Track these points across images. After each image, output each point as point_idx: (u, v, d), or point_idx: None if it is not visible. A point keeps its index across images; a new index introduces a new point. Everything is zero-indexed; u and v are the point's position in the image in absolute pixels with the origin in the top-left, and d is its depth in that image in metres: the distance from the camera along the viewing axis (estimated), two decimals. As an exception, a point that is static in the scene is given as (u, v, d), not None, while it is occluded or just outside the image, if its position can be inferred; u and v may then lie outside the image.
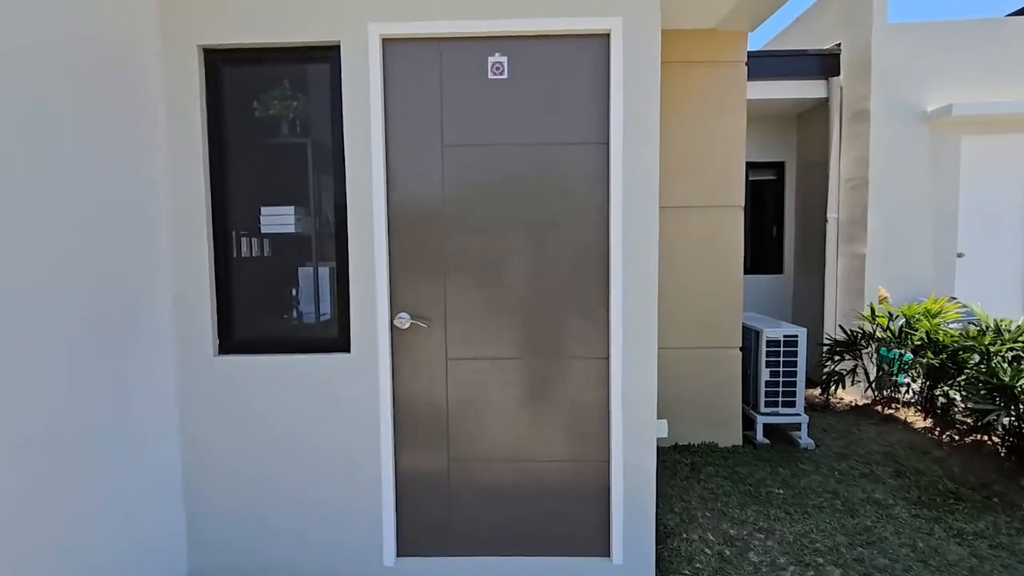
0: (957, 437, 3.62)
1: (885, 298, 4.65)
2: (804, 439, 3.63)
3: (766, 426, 3.69)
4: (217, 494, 2.27)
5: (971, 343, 3.47)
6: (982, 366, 3.34)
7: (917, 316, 4.05)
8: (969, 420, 3.48)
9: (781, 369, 3.62)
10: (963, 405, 3.55)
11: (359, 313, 2.21)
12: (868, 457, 3.45)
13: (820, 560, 2.39)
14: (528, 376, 2.26)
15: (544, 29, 2.11)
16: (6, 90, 1.55)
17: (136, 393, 2.05)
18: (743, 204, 3.60)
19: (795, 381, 3.62)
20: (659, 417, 2.87)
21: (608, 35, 2.10)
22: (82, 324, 1.81)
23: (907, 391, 4.19)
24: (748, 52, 3.57)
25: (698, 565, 2.37)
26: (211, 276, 2.24)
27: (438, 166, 2.20)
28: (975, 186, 5.04)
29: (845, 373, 4.32)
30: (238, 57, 2.21)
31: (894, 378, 4.17)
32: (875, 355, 4.29)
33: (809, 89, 5.02)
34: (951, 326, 3.90)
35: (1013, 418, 3.09)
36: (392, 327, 2.24)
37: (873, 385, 4.30)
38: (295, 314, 2.36)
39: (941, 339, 3.74)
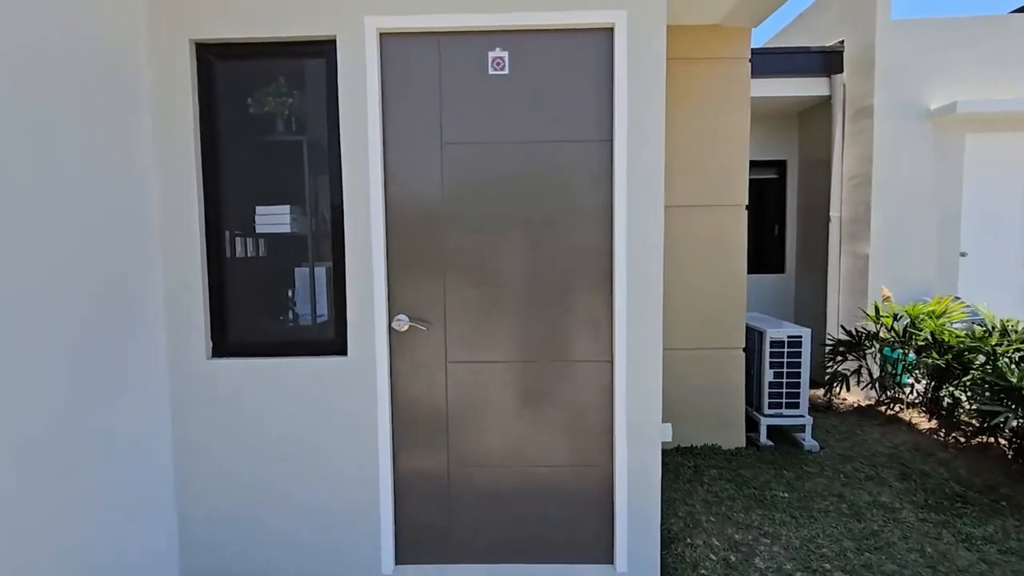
0: (963, 439, 3.58)
1: (888, 298, 4.61)
2: (808, 441, 3.59)
3: (770, 428, 3.65)
4: (211, 498, 2.22)
5: (977, 344, 3.43)
6: (988, 367, 3.29)
7: (922, 316, 4.01)
8: (975, 422, 3.43)
9: (785, 370, 3.57)
10: (969, 406, 3.51)
11: (356, 315, 2.16)
12: (873, 459, 3.40)
13: (828, 566, 2.34)
14: (529, 379, 2.21)
15: (546, 23, 2.06)
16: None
17: (131, 395, 2.01)
18: (747, 203, 3.55)
19: (799, 382, 3.58)
20: (662, 419, 2.81)
21: (612, 29, 2.05)
22: (79, 325, 1.78)
23: (911, 392, 4.15)
24: (751, 49, 3.52)
25: (703, 572, 2.32)
26: (204, 277, 2.18)
27: (437, 164, 2.15)
28: (979, 185, 4.99)
29: (849, 374, 4.28)
30: (231, 52, 2.15)
31: (898, 379, 4.13)
32: (879, 356, 4.25)
33: (811, 87, 4.97)
34: (955, 326, 3.86)
35: (1022, 420, 3.05)
36: (390, 329, 2.18)
37: (877, 386, 4.26)
38: (291, 316, 2.30)
39: (946, 339, 3.69)
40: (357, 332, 2.16)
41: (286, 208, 2.24)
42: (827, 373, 4.38)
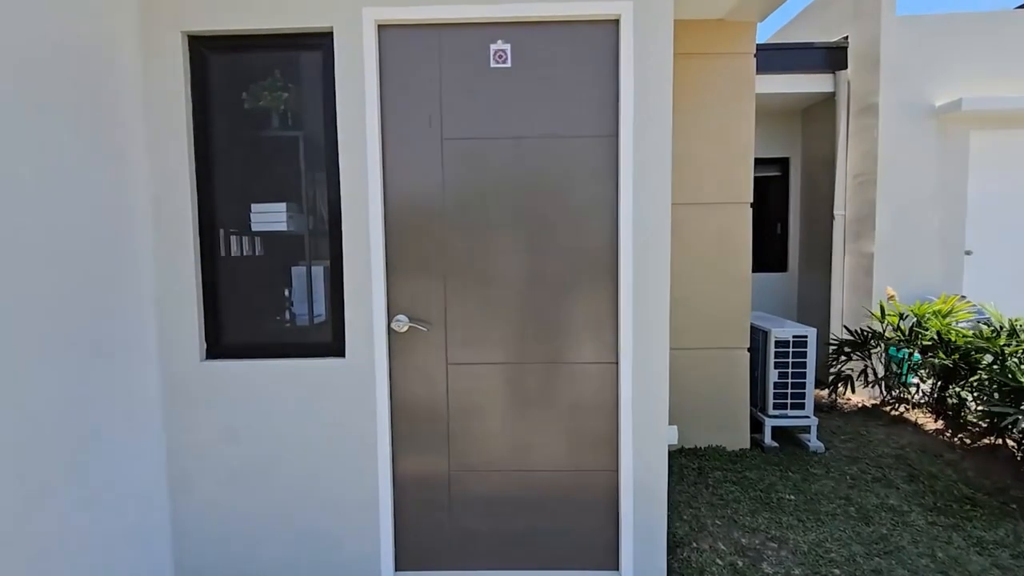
0: (969, 440, 3.53)
1: (893, 297, 4.56)
2: (813, 442, 3.54)
3: (774, 429, 3.60)
4: (204, 503, 2.16)
5: (985, 344, 3.37)
6: (995, 367, 3.24)
7: (927, 315, 3.96)
8: (983, 423, 3.38)
9: (790, 370, 3.52)
10: (977, 407, 3.46)
11: (354, 316, 2.10)
12: (880, 460, 3.35)
13: (837, 572, 2.29)
14: (533, 381, 2.15)
15: (549, 14, 2.00)
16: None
17: (122, 399, 1.94)
18: (751, 201, 3.49)
19: (804, 383, 3.53)
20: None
21: (617, 21, 1.99)
22: (66, 325, 1.71)
23: (917, 392, 4.10)
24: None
25: (710, 577, 2.27)
26: (197, 277, 2.12)
27: (437, 160, 2.09)
28: (984, 183, 4.94)
29: (854, 374, 4.23)
30: (225, 44, 2.09)
31: (903, 379, 4.08)
32: (884, 355, 4.20)
33: (815, 83, 4.91)
34: (960, 326, 3.81)
35: (1031, 421, 2.99)
36: (390, 330, 2.12)
37: (882, 386, 4.21)
38: (287, 316, 2.24)
39: (953, 339, 3.64)
40: (355, 333, 2.10)
41: (282, 206, 2.18)
42: (831, 373, 4.34)
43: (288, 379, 2.12)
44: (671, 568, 2.30)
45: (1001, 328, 3.47)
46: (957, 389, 3.61)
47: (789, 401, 3.55)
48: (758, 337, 3.63)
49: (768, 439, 3.55)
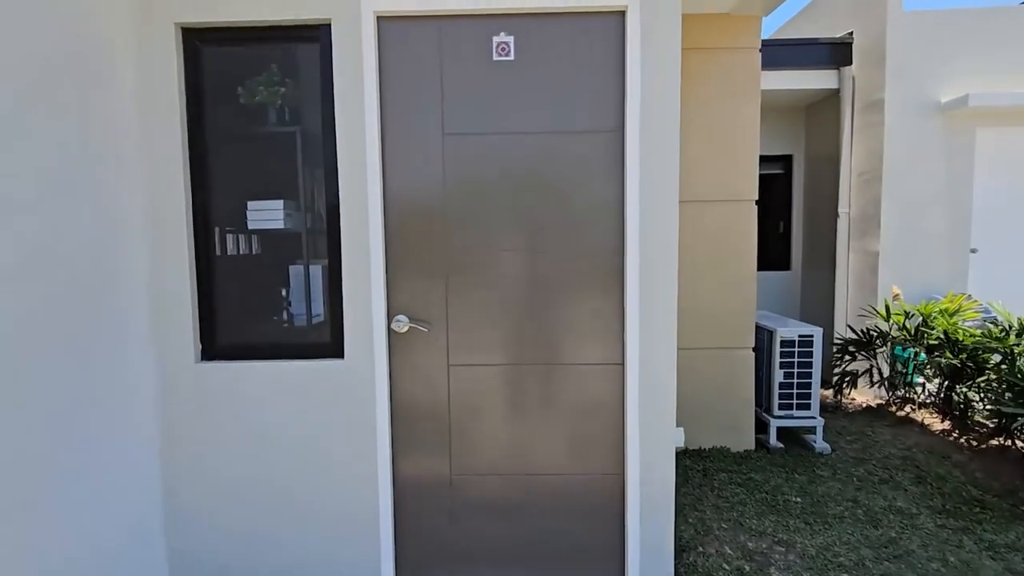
0: (977, 441, 3.48)
1: (898, 295, 4.52)
2: (819, 443, 3.49)
3: (779, 429, 3.55)
4: (201, 507, 2.11)
5: (994, 343, 3.33)
6: (1004, 367, 3.20)
7: (934, 315, 3.91)
8: (991, 423, 3.34)
9: (796, 370, 3.47)
10: (985, 407, 3.41)
11: (353, 316, 2.04)
12: (886, 462, 3.31)
13: (847, 576, 2.25)
14: (537, 384, 2.10)
15: (554, 6, 1.94)
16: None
17: (115, 401, 1.89)
18: (756, 198, 3.44)
19: (810, 383, 3.48)
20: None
21: (624, 12, 1.93)
22: (57, 326, 1.66)
23: (923, 392, 4.06)
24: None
25: (717, 583, 2.22)
26: (193, 276, 2.07)
27: (438, 156, 2.03)
28: (990, 180, 4.89)
29: (859, 373, 4.18)
30: (220, 37, 2.03)
31: (908, 378, 4.04)
32: (889, 355, 4.15)
33: (819, 79, 4.86)
34: (966, 325, 3.77)
35: (1041, 422, 2.95)
36: (389, 331, 2.07)
37: (887, 385, 4.17)
38: (285, 316, 2.19)
39: (960, 338, 3.60)
40: (354, 334, 2.05)
41: (279, 203, 2.12)
42: (836, 372, 4.29)
43: (285, 381, 2.07)
44: (677, 573, 2.25)
45: (1010, 327, 3.42)
46: (964, 389, 3.57)
47: (795, 402, 3.50)
48: (763, 337, 3.58)
49: (773, 440, 3.51)
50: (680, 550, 2.42)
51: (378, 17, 1.96)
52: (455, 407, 2.11)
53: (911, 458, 3.34)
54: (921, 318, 3.99)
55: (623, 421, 2.08)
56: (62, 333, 1.68)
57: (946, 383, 3.77)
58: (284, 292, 2.18)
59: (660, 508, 2.06)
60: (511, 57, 1.99)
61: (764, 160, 5.45)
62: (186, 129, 2.04)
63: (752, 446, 3.52)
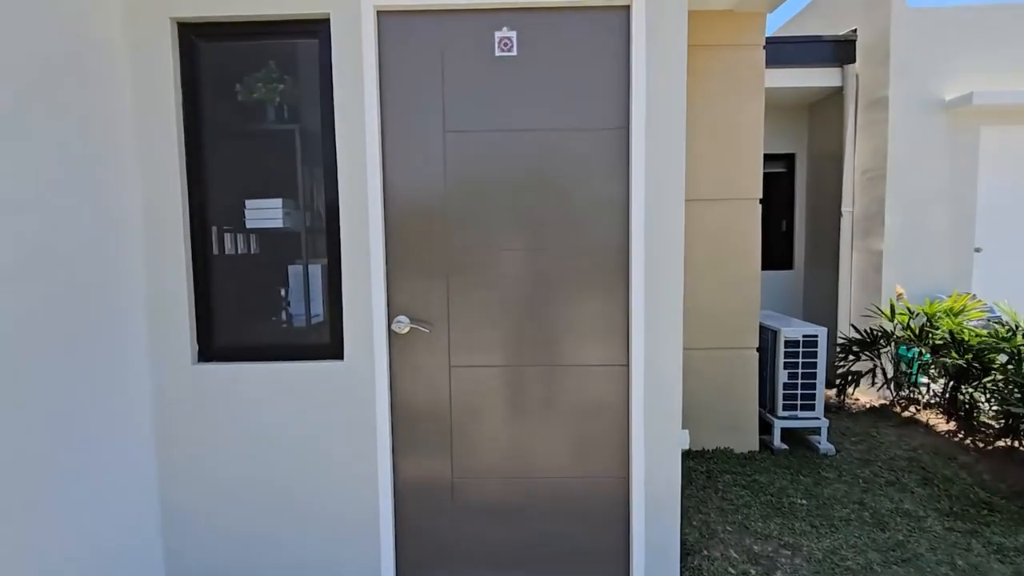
0: (983, 442, 3.45)
1: (901, 294, 4.48)
2: (824, 444, 3.46)
3: (783, 430, 3.51)
4: (198, 510, 2.07)
5: (1001, 343, 3.29)
6: (1011, 367, 3.16)
7: (939, 314, 3.88)
8: (998, 424, 3.31)
9: (800, 371, 3.44)
10: (990, 408, 3.38)
11: (353, 317, 2.01)
12: (892, 463, 3.27)
13: (854, 581, 2.21)
14: (540, 385, 2.07)
15: (557, 1, 1.90)
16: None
17: (111, 404, 1.86)
18: (760, 197, 3.40)
19: (814, 383, 3.44)
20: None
21: (629, 7, 1.90)
22: (51, 327, 1.63)
23: (927, 392, 4.02)
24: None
25: (723, 587, 2.19)
26: (189, 276, 2.03)
27: (440, 154, 2.00)
28: (994, 179, 4.85)
29: (863, 373, 4.15)
30: (216, 32, 1.99)
31: (913, 379, 4.00)
32: (893, 355, 4.12)
33: (823, 77, 4.82)
34: (971, 324, 3.73)
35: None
36: (390, 332, 2.03)
37: (891, 386, 4.13)
38: (283, 317, 2.15)
39: (966, 338, 3.56)
40: (354, 335, 2.01)
41: (278, 202, 2.09)
42: (839, 372, 4.25)
43: (284, 383, 2.03)
44: (682, 577, 2.22)
45: (1017, 327, 3.38)
46: (971, 390, 3.53)
47: (799, 402, 3.47)
48: (767, 337, 3.54)
49: (777, 441, 3.47)
50: (684, 553, 2.39)
51: (378, 12, 1.93)
52: (457, 409, 2.07)
53: (917, 459, 3.31)
54: (925, 318, 3.95)
55: (628, 421, 2.04)
56: (62, 333, 1.66)
57: (951, 383, 3.74)
58: (283, 292, 2.15)
59: (666, 508, 2.03)
60: (514, 53, 1.95)
61: (766, 158, 5.41)
62: (183, 126, 2.00)
63: (756, 447, 3.48)
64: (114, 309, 1.88)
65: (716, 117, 3.35)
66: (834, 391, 4.36)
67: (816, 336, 3.42)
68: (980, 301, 4.03)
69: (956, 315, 3.83)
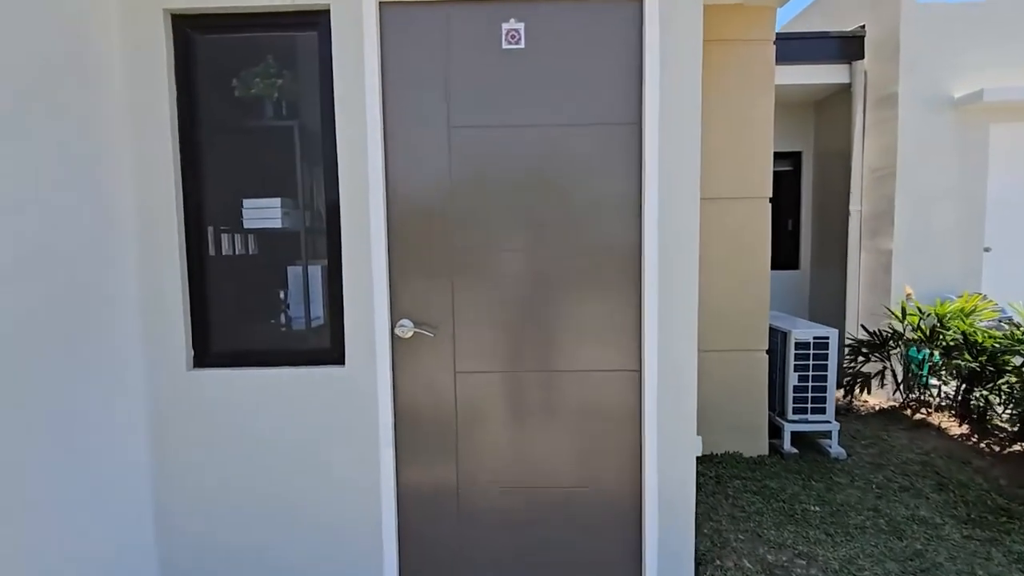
0: (998, 446, 3.38)
1: (910, 294, 4.41)
2: (835, 448, 3.38)
3: (793, 434, 3.44)
4: (195, 521, 2.00)
5: (1017, 346, 3.22)
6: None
7: (950, 315, 3.80)
8: (1014, 427, 3.24)
9: (810, 373, 3.36)
10: (1006, 411, 3.31)
11: (355, 320, 1.93)
12: (905, 468, 3.20)
13: (873, 592, 2.14)
14: (548, 391, 1.99)
15: (567, -9, 1.83)
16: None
17: (104, 411, 1.79)
18: (770, 195, 3.33)
19: (825, 386, 3.37)
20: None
21: (642, -3, 1.82)
22: (41, 331, 1.56)
23: (938, 394, 3.95)
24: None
25: (738, 600, 2.12)
26: (184, 278, 1.96)
27: (444, 151, 1.92)
28: (1004, 177, 4.78)
29: (872, 375, 4.08)
30: (212, 24, 1.92)
31: (923, 380, 3.93)
32: (903, 356, 4.05)
33: (830, 74, 4.74)
34: (981, 325, 3.66)
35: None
36: (393, 336, 1.96)
37: (901, 387, 4.06)
38: (282, 320, 2.08)
39: (980, 340, 3.49)
40: (356, 339, 1.94)
41: (276, 201, 2.01)
42: (848, 374, 4.18)
43: (283, 389, 1.96)
44: (696, 589, 2.14)
45: (1032, 329, 3.31)
46: (984, 392, 3.46)
47: (809, 405, 3.40)
48: (776, 338, 3.47)
49: (787, 445, 3.40)
50: (696, 563, 2.31)
51: (380, 2, 1.85)
52: (462, 416, 2.00)
53: (930, 463, 3.24)
54: (936, 318, 3.88)
55: (640, 423, 1.96)
56: (62, 333, 1.62)
57: (964, 386, 3.66)
58: (282, 294, 2.07)
59: (680, 512, 1.96)
60: (522, 45, 1.88)
61: (773, 157, 5.36)
62: (177, 122, 1.93)
63: (766, 451, 3.41)
64: (114, 309, 1.84)
65: (726, 114, 3.27)
66: (842, 392, 4.29)
67: (827, 338, 3.35)
68: (991, 301, 3.96)
69: (967, 316, 3.76)
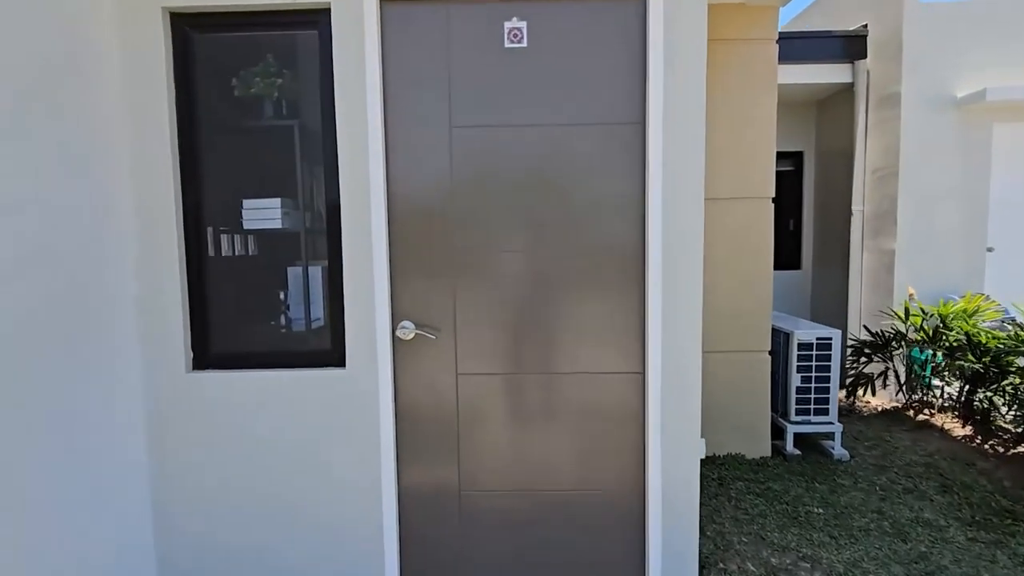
0: (1002, 448, 3.36)
1: (913, 295, 4.39)
2: (838, 449, 3.37)
3: (796, 435, 3.42)
4: (194, 525, 1.98)
5: (1022, 347, 3.20)
6: (1031, 370, 3.08)
7: (953, 315, 3.79)
8: (1017, 429, 3.22)
9: (813, 374, 3.34)
10: (1010, 412, 3.29)
11: (356, 321, 1.91)
12: (908, 469, 3.18)
13: (878, 596, 2.12)
14: (551, 394, 1.98)
15: (570, -11, 1.81)
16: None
17: (101, 414, 1.77)
18: (773, 195, 3.31)
19: (828, 387, 3.35)
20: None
21: (646, -5, 1.80)
22: (36, 334, 1.54)
23: (941, 395, 3.93)
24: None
25: (742, 603, 2.10)
26: (183, 279, 1.94)
27: (446, 150, 1.90)
28: (1007, 177, 4.76)
29: (875, 376, 4.06)
30: (211, 23, 1.90)
31: (926, 381, 3.91)
32: (906, 357, 4.03)
33: (832, 73, 4.73)
34: (984, 325, 3.65)
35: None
36: (394, 338, 1.94)
37: (904, 388, 4.04)
38: (282, 322, 2.06)
39: (983, 341, 3.47)
40: (356, 341, 1.92)
41: (276, 201, 2.00)
42: (850, 375, 4.16)
43: (283, 391, 1.94)
44: (699, 592, 2.13)
45: (1036, 329, 3.29)
46: (988, 393, 3.44)
47: (812, 406, 3.38)
48: (779, 339, 3.45)
49: (790, 446, 3.38)
50: (699, 566, 2.30)
51: (381, 1, 1.83)
52: (464, 419, 1.98)
53: (934, 465, 3.22)
54: (939, 319, 3.86)
55: (644, 433, 1.95)
56: (62, 333, 1.61)
57: (967, 387, 3.65)
58: (282, 295, 2.05)
59: (684, 513, 1.94)
60: (524, 44, 1.86)
61: (775, 156, 5.34)
62: (176, 122, 1.91)
63: (768, 453, 3.39)
64: (114, 310, 1.83)
65: (728, 113, 3.25)
66: (844, 393, 4.27)
67: (830, 339, 3.33)
68: (994, 302, 3.94)
69: (970, 316, 3.74)
